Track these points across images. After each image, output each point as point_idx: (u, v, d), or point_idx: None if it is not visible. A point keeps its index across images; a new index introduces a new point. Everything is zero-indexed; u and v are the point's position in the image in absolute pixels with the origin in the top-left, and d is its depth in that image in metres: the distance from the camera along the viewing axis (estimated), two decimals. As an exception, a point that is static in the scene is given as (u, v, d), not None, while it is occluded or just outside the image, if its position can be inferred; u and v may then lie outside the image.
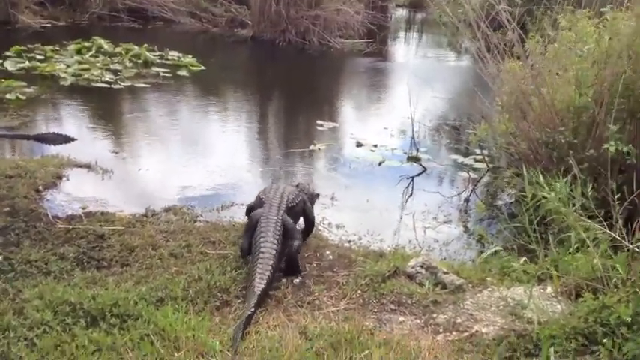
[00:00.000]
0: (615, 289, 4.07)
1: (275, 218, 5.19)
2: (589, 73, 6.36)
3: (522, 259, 4.80)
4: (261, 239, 4.96)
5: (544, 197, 4.65)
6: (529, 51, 7.21)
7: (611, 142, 5.64)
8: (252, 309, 4.29)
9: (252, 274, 4.66)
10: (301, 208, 5.75)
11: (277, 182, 7.08)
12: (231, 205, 6.87)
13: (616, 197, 4.51)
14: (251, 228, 5.24)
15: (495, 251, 5.20)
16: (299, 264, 5.22)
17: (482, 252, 6.12)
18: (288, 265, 5.17)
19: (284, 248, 5.12)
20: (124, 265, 5.18)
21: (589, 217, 4.48)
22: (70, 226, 5.79)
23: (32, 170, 7.06)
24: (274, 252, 4.86)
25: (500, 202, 7.66)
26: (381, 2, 22.05)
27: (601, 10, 6.86)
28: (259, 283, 4.53)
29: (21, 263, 5.00)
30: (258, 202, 5.58)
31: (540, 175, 4.71)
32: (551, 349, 3.75)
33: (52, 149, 8.37)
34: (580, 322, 3.87)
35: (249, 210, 5.67)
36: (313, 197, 6.28)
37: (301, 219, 5.85)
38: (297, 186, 6.06)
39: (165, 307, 4.31)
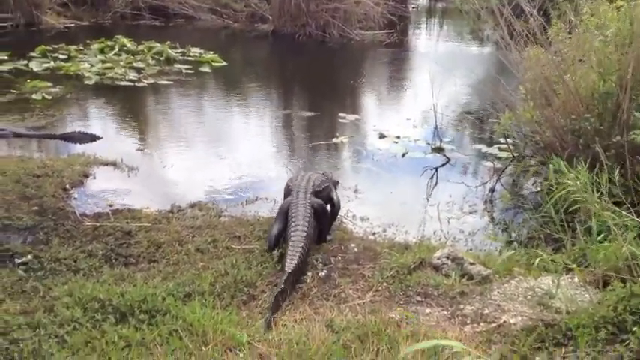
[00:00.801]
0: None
1: (304, 202, 5.47)
2: (612, 58, 6.27)
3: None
4: (292, 223, 5.22)
5: (568, 186, 4.60)
6: (552, 38, 7.12)
7: (637, 130, 5.56)
8: (283, 285, 4.50)
9: (285, 255, 4.91)
10: (328, 193, 5.98)
11: (304, 171, 7.11)
12: (256, 200, 6.91)
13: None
14: (281, 214, 5.48)
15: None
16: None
17: (510, 242, 6.09)
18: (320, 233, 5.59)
19: (315, 229, 5.46)
20: (152, 262, 5.23)
21: (616, 204, 4.43)
22: (98, 224, 5.86)
23: (59, 169, 7.15)
24: (305, 234, 5.10)
25: (525, 192, 7.58)
26: (401, -8, 21.91)
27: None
28: (290, 263, 4.76)
29: (50, 261, 5.07)
30: (287, 191, 5.88)
31: (562, 164, 4.66)
32: (580, 338, 3.72)
33: (78, 148, 8.48)
34: (609, 311, 3.83)
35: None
36: (335, 184, 6.55)
37: None
38: (323, 174, 6.41)
39: (192, 302, 4.35)
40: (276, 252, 5.21)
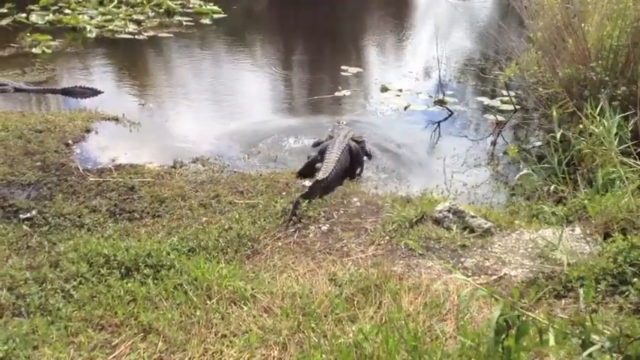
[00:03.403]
0: (645, 229, 4.04)
1: (342, 140, 6.55)
2: (629, 10, 6.16)
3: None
4: (328, 151, 6.32)
5: (579, 135, 4.55)
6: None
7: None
8: (307, 190, 5.45)
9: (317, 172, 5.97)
10: (363, 146, 6.96)
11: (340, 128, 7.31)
12: (258, 154, 6.91)
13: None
14: (321, 151, 6.48)
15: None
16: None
17: (512, 195, 6.09)
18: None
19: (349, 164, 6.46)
20: (155, 217, 5.27)
21: (623, 154, 4.40)
22: (101, 179, 5.88)
23: (61, 124, 7.16)
24: (337, 158, 6.16)
25: (528, 145, 7.56)
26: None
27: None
28: (322, 174, 5.79)
29: (54, 217, 5.11)
30: (328, 137, 6.91)
31: (589, 106, 4.58)
32: (581, 290, 3.76)
33: (80, 102, 8.46)
34: (609, 263, 3.86)
35: (317, 144, 6.97)
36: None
37: None
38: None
39: (197, 256, 4.39)
40: (279, 206, 5.23)
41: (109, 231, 4.90)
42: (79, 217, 5.14)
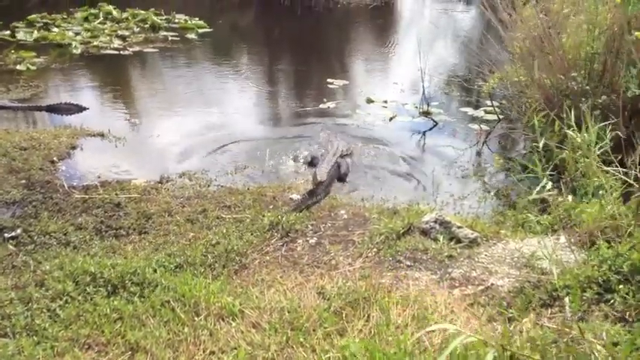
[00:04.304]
0: (628, 237, 4.06)
1: (332, 158, 6.94)
2: (602, 17, 6.24)
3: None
4: (319, 164, 6.81)
5: (559, 145, 4.59)
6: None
7: (632, 84, 5.56)
8: (313, 187, 6.07)
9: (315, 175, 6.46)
10: (351, 157, 7.36)
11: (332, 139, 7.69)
12: (245, 168, 6.91)
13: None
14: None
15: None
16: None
17: (497, 204, 6.12)
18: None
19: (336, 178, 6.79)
20: (142, 233, 5.25)
21: (604, 163, 4.44)
22: (87, 196, 5.86)
23: (46, 141, 7.13)
24: (330, 167, 6.64)
25: (513, 154, 7.62)
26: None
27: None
28: (321, 177, 6.27)
29: (40, 235, 5.08)
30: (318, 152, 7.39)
31: (572, 116, 4.63)
32: (567, 299, 3.78)
33: (65, 119, 8.43)
34: (594, 271, 3.88)
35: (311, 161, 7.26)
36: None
37: None
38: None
39: (184, 272, 4.38)
40: (267, 220, 5.23)
41: (95, 248, 4.88)
42: (65, 234, 5.12)
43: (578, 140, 4.42)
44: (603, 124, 4.60)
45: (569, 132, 4.49)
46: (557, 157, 4.89)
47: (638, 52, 5.59)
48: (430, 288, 4.24)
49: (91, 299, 4.02)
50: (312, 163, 7.13)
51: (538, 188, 4.06)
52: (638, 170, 4.31)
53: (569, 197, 4.79)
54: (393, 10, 18.42)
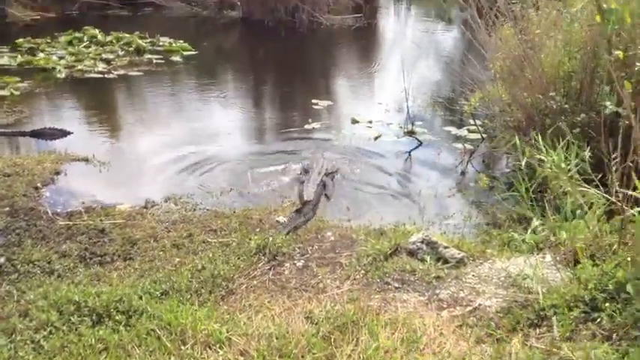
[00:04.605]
0: (613, 255, 4.09)
1: (317, 177, 7.02)
2: (577, 36, 6.33)
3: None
4: (306, 181, 6.90)
5: (540, 162, 4.62)
6: (519, 16, 7.17)
7: (608, 102, 5.62)
8: (300, 206, 6.19)
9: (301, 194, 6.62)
10: (335, 175, 7.45)
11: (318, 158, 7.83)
12: (231, 191, 6.89)
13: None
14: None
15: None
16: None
17: (482, 224, 6.15)
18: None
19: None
20: (127, 259, 5.21)
21: (585, 182, 4.47)
22: (71, 223, 5.81)
23: (30, 167, 7.08)
24: (316, 186, 6.75)
25: (497, 172, 7.66)
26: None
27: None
28: (307, 196, 6.40)
29: (24, 263, 5.02)
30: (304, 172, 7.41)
31: (540, 138, 4.67)
32: (554, 319, 3.78)
33: (49, 144, 8.38)
34: (580, 290, 3.89)
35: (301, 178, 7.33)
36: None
37: None
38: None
39: (170, 299, 4.33)
40: (253, 243, 5.20)
41: (79, 276, 4.82)
42: (49, 263, 5.06)
43: (549, 161, 4.45)
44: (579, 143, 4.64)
45: (538, 155, 4.52)
46: (540, 176, 4.92)
47: (617, 70, 5.67)
48: (418, 310, 4.23)
49: (76, 329, 3.95)
50: (300, 181, 7.15)
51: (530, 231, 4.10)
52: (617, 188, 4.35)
53: (553, 216, 4.82)
54: (376, 31, 18.57)
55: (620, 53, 5.20)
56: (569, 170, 4.60)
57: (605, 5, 3.08)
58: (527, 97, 6.79)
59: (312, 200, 6.44)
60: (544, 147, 4.58)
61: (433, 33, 18.09)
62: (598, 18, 3.19)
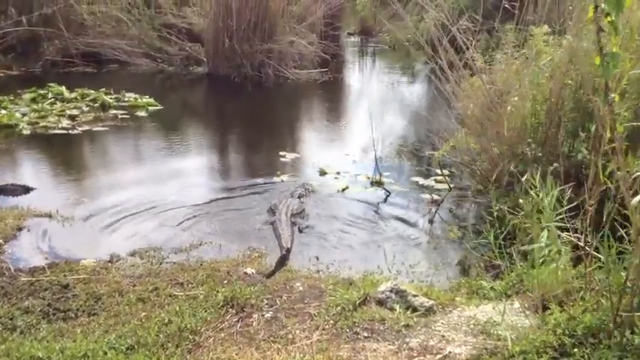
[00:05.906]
0: (581, 300, 4.14)
1: (287, 219, 7.34)
2: (543, 88, 6.53)
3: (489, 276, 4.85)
4: (278, 226, 7.14)
5: (510, 210, 4.69)
6: (485, 68, 7.39)
7: (581, 149, 5.78)
8: (284, 252, 6.45)
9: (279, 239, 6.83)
10: (303, 215, 7.83)
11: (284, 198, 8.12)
12: (199, 245, 6.83)
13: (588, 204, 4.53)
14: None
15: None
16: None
17: (451, 272, 6.18)
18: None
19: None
20: (91, 315, 5.09)
21: (559, 229, 4.53)
22: (34, 279, 5.69)
23: (-9, 224, 6.92)
24: (290, 231, 7.05)
25: (465, 222, 7.75)
26: (332, 31, 22.10)
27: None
28: (285, 244, 6.65)
29: (-15, 321, 4.87)
30: (272, 211, 7.75)
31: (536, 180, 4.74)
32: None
33: (11, 200, 8.22)
34: (549, 336, 3.92)
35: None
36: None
37: None
38: (298, 197, 8.30)
39: (136, 354, 4.25)
40: (221, 296, 5.14)
41: (42, 332, 4.70)
42: (11, 319, 4.93)
43: (530, 202, 4.52)
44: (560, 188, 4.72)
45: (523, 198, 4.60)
46: (510, 224, 5.00)
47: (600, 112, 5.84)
48: (388, 359, 4.20)
49: (39, 387, 3.85)
50: (269, 222, 7.45)
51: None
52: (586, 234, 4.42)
53: (521, 262, 4.88)
54: (342, 85, 18.84)
55: (616, 96, 5.38)
56: (555, 208, 4.66)
57: (606, 49, 3.20)
58: (495, 146, 6.93)
59: (292, 246, 6.69)
60: (530, 187, 4.65)
61: (399, 85, 18.44)
62: (597, 61, 3.31)
